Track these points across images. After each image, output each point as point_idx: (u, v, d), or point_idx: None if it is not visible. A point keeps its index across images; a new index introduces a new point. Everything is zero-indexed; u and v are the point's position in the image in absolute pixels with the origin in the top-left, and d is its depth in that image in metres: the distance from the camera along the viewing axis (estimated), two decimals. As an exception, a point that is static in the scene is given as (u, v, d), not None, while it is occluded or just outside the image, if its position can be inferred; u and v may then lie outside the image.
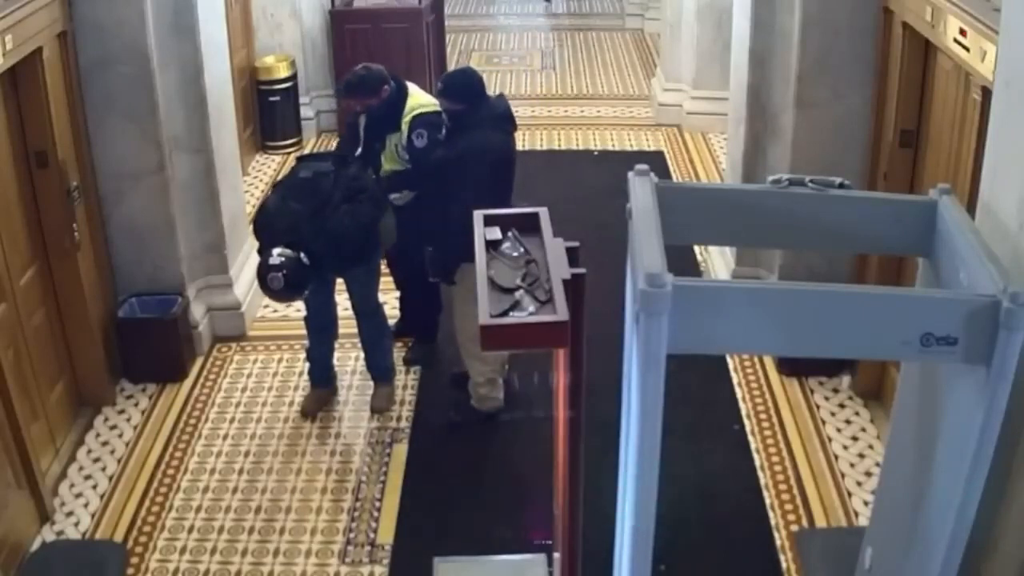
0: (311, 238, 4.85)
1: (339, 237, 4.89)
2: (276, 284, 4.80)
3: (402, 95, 5.35)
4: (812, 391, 5.57)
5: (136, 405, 5.57)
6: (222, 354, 6.02)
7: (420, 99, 5.40)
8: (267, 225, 5.04)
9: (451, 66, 10.71)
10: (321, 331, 5.43)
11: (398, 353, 5.84)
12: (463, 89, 5.03)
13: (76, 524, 4.74)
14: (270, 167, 8.72)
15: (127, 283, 5.77)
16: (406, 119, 5.29)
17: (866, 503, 4.68)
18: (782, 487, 4.88)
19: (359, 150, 5.40)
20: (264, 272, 4.82)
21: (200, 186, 5.82)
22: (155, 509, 4.82)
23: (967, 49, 3.99)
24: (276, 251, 4.83)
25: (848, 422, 5.32)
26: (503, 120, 5.06)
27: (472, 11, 14.55)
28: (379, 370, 5.55)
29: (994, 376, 2.48)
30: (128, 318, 5.69)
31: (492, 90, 5.72)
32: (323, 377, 5.59)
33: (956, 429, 2.70)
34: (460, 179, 4.79)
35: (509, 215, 2.94)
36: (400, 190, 5.35)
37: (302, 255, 4.82)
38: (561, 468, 2.95)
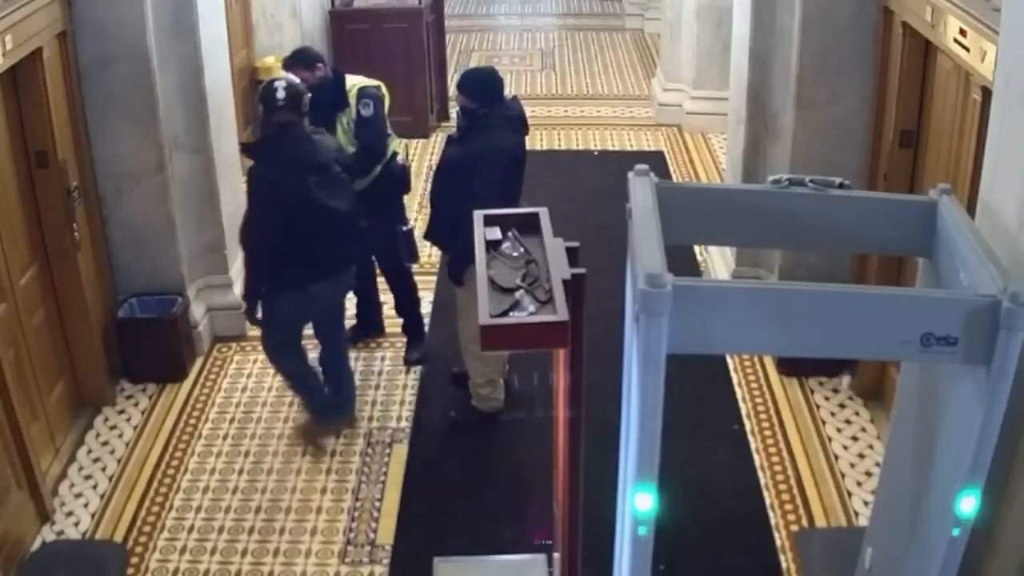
0: None
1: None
2: None
3: (340, 77, 5.50)
4: (812, 391, 5.57)
5: (136, 405, 5.57)
6: (222, 354, 6.02)
7: (357, 78, 5.53)
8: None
9: (451, 66, 10.72)
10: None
11: (398, 353, 5.86)
12: (480, 87, 4.96)
13: (76, 524, 4.74)
14: (270, 167, 8.70)
15: (127, 283, 5.77)
16: (352, 92, 5.40)
17: (866, 503, 4.68)
18: (782, 487, 4.88)
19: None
20: None
21: (200, 186, 5.82)
22: (155, 509, 4.82)
23: (967, 49, 3.99)
24: None
25: (848, 422, 5.32)
26: (517, 122, 5.03)
27: (472, 11, 14.55)
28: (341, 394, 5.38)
29: (994, 376, 2.48)
30: (128, 318, 5.69)
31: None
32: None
33: (956, 429, 2.70)
34: (474, 179, 4.76)
35: (509, 215, 2.94)
36: (364, 171, 5.35)
37: None
38: (561, 468, 2.95)
